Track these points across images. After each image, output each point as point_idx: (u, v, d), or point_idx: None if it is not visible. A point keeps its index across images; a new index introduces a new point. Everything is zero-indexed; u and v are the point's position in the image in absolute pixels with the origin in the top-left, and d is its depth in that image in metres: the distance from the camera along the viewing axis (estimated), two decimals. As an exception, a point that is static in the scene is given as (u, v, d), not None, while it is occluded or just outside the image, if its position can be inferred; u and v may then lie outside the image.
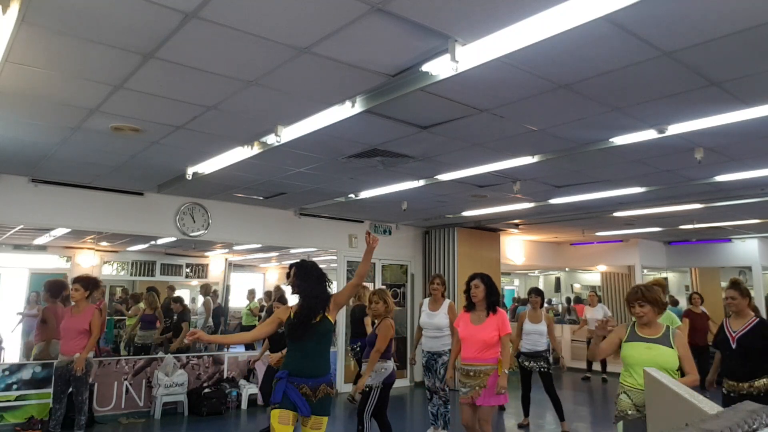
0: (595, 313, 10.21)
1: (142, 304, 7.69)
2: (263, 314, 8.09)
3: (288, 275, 3.74)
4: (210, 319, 8.28)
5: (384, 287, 5.04)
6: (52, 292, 6.30)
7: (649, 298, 3.57)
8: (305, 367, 3.53)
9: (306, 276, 3.69)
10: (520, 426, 6.65)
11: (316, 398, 3.48)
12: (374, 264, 9.57)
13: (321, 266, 3.83)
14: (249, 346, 8.42)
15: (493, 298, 4.63)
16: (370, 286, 8.59)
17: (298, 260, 3.86)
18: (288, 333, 3.63)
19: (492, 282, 4.68)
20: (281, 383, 3.51)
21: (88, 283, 5.28)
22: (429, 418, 5.87)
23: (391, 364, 4.83)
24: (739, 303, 4.35)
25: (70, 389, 5.21)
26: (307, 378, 3.51)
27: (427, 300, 5.89)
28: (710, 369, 5.02)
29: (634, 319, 3.70)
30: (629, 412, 3.45)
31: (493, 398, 4.44)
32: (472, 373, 4.49)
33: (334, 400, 3.70)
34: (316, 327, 3.57)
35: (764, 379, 4.11)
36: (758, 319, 4.34)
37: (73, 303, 5.31)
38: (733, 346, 4.25)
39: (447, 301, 5.87)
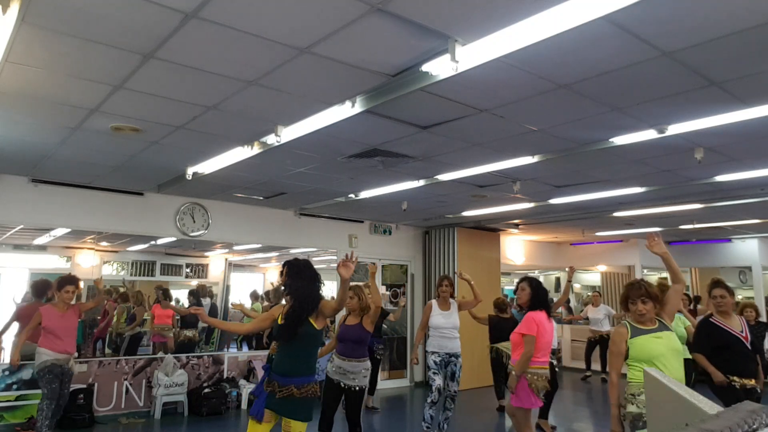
0: (597, 313, 10.21)
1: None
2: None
3: (281, 274, 3.70)
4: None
5: (360, 284, 5.05)
6: (36, 292, 6.27)
7: (651, 294, 3.42)
8: (283, 366, 3.49)
9: (298, 275, 3.56)
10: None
11: (278, 396, 3.40)
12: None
13: (321, 266, 3.79)
14: (250, 346, 8.43)
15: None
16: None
17: (290, 259, 3.72)
18: (276, 334, 3.63)
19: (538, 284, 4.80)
20: (264, 375, 3.60)
21: (78, 283, 5.55)
22: (425, 422, 5.43)
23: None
24: (728, 301, 4.39)
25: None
26: (280, 376, 3.46)
27: (434, 301, 5.78)
28: (711, 370, 4.41)
29: (626, 319, 3.57)
30: None
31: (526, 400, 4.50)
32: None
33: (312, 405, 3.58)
34: (299, 330, 3.47)
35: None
36: (741, 317, 4.57)
37: (72, 303, 5.48)
38: (749, 346, 4.27)
39: (455, 301, 5.84)
